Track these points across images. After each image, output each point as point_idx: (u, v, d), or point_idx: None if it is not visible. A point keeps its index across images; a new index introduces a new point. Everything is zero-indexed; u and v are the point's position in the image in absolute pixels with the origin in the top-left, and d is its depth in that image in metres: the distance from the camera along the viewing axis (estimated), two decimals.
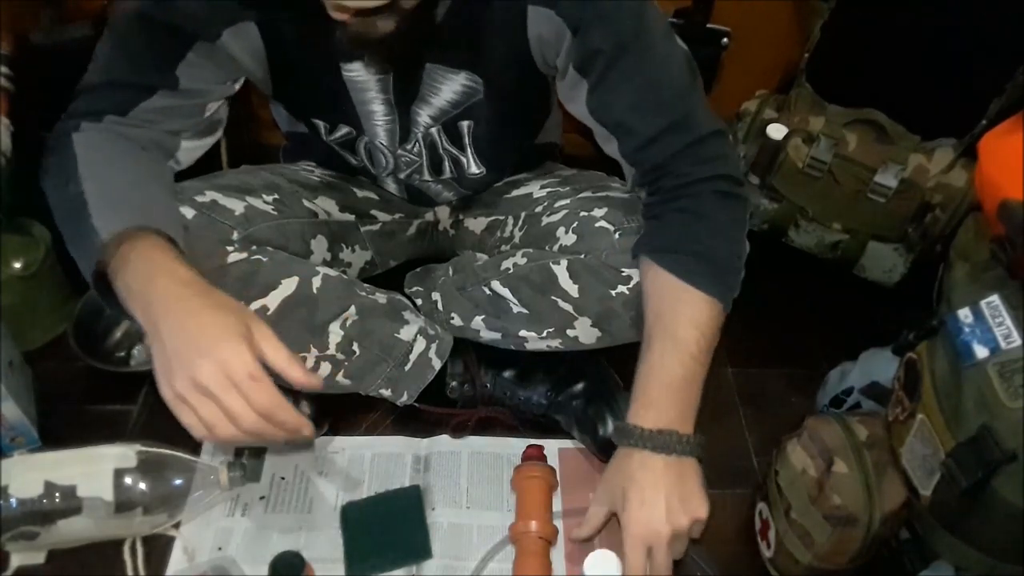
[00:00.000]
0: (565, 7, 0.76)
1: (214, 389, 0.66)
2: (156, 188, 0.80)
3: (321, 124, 0.94)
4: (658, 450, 0.76)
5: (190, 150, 0.87)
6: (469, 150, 0.95)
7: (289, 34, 0.81)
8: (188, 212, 0.83)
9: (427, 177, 0.99)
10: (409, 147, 0.94)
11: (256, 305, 0.86)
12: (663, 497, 0.75)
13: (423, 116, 0.90)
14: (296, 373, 0.70)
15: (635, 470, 0.76)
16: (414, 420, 1.04)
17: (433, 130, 0.92)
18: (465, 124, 0.91)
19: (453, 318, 1.02)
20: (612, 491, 0.79)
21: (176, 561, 0.90)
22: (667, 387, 0.77)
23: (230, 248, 0.85)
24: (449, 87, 0.86)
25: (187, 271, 0.71)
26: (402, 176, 1.00)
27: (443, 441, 1.03)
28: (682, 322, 0.78)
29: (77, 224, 0.74)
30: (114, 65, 0.80)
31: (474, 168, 0.98)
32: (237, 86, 0.87)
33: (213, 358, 0.65)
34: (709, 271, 0.79)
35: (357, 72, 0.84)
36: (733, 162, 0.84)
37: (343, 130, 0.94)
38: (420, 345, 0.99)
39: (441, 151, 0.95)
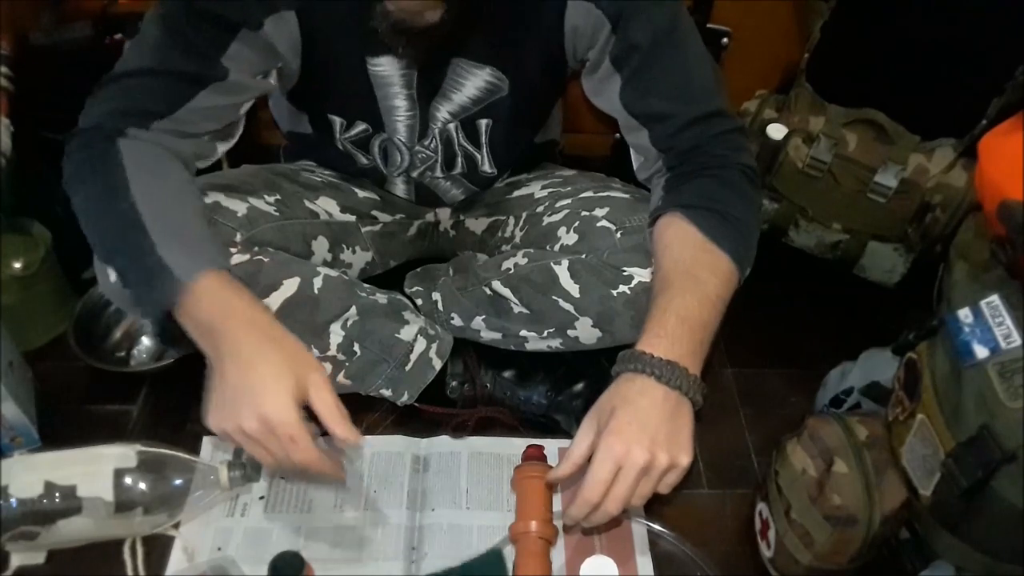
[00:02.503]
0: (605, 1, 0.79)
1: (258, 438, 0.70)
2: (204, 220, 0.80)
3: (337, 121, 0.94)
4: (662, 380, 0.71)
5: (218, 154, 0.88)
6: (485, 148, 0.95)
7: (324, 25, 0.81)
8: None
9: (439, 174, 0.99)
10: (426, 143, 0.94)
11: None
12: (653, 424, 0.70)
13: (442, 112, 0.90)
14: (341, 431, 0.73)
15: (633, 393, 0.72)
16: (414, 420, 1.04)
17: (451, 126, 0.92)
18: (484, 122, 0.92)
19: (453, 318, 1.02)
20: (601, 411, 0.73)
21: (176, 561, 0.90)
22: (683, 320, 0.74)
23: (233, 250, 0.85)
24: (472, 83, 0.87)
25: (259, 312, 0.74)
26: (415, 174, 1.00)
27: (443, 441, 1.03)
28: (704, 268, 0.77)
29: (133, 249, 0.73)
30: (165, 53, 0.77)
31: (487, 167, 0.98)
32: (272, 81, 0.87)
33: (259, 412, 0.69)
34: (731, 233, 0.79)
35: (383, 67, 0.85)
36: (753, 158, 0.86)
37: (359, 127, 0.94)
38: (421, 345, 0.99)
39: (456, 147, 0.95)
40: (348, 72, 0.85)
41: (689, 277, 0.77)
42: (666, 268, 0.79)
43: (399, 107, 0.89)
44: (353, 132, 0.95)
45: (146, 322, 0.84)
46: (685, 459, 0.72)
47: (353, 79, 0.86)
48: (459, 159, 0.97)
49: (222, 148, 0.87)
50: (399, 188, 1.05)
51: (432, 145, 0.95)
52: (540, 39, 0.83)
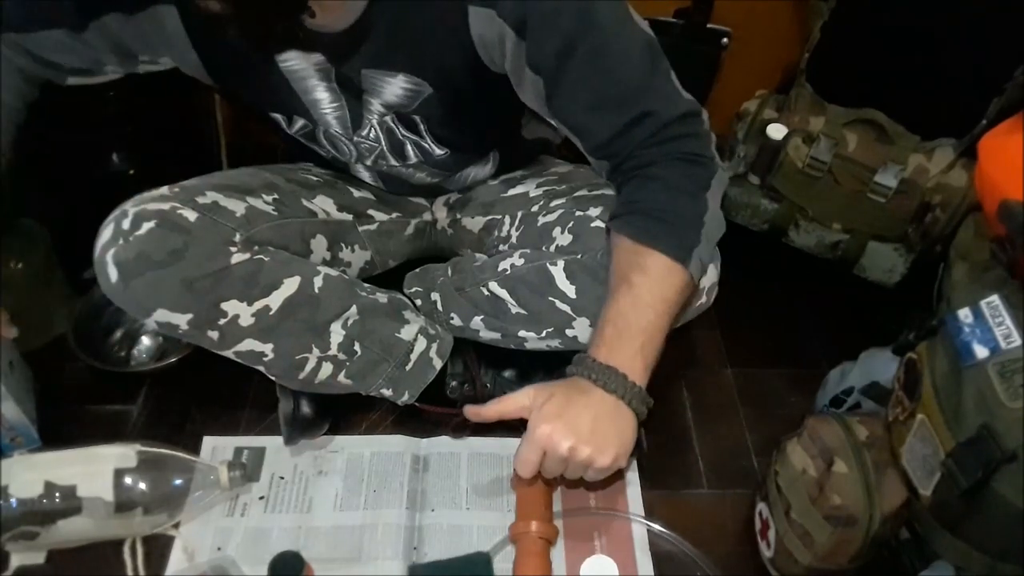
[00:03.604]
0: (506, 7, 0.75)
1: None
2: None
3: (280, 118, 0.94)
4: (598, 383, 0.75)
5: (75, 82, 0.90)
6: (427, 136, 0.94)
7: (215, 23, 0.80)
8: (191, 215, 0.82)
9: (393, 162, 0.99)
10: (364, 133, 0.93)
11: (259, 305, 0.86)
12: (582, 419, 0.75)
13: (375, 105, 0.89)
14: None
15: (573, 391, 0.77)
16: (414, 420, 1.04)
17: (387, 118, 0.91)
18: (417, 117, 0.90)
19: (452, 318, 1.02)
20: (542, 392, 0.78)
21: (176, 561, 0.90)
22: (617, 328, 0.77)
23: (233, 249, 0.85)
24: (390, 89, 0.86)
25: None
26: (368, 163, 1.00)
27: (443, 442, 1.03)
28: (635, 272, 0.78)
29: None
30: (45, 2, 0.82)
31: (437, 151, 0.97)
32: (146, 68, 0.88)
33: None
34: (659, 229, 0.79)
35: (293, 61, 0.84)
36: (700, 140, 0.82)
37: (300, 122, 0.94)
38: (421, 345, 0.99)
39: (400, 137, 0.94)
40: (260, 70, 0.85)
41: (622, 284, 0.79)
42: (609, 282, 0.81)
43: (322, 100, 0.88)
44: (296, 127, 0.95)
45: (148, 322, 0.84)
46: (603, 460, 0.75)
47: (268, 76, 0.85)
48: (409, 147, 0.96)
49: (77, 81, 0.89)
50: (365, 176, 1.04)
51: (372, 135, 0.93)
52: (451, 47, 0.80)
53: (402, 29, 0.79)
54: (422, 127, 0.92)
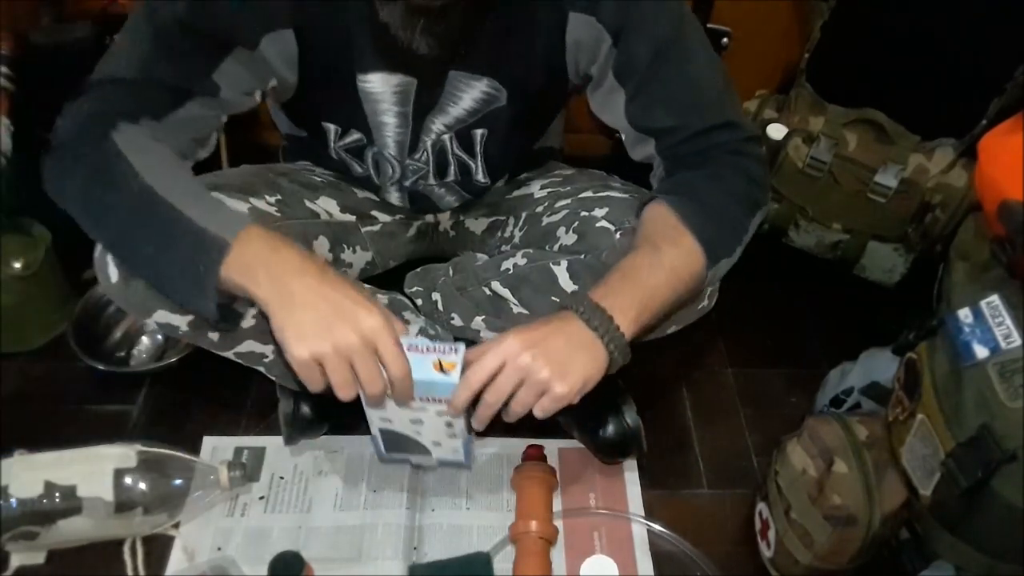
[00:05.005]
0: (607, 14, 0.78)
1: (351, 355, 0.67)
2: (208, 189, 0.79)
3: (332, 128, 0.93)
4: (582, 316, 0.74)
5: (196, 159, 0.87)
6: (479, 158, 0.95)
7: (320, 41, 0.81)
8: None
9: (432, 181, 0.99)
10: (417, 156, 0.94)
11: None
12: (552, 342, 0.73)
13: (437, 125, 0.90)
14: (406, 383, 0.71)
15: (554, 319, 0.75)
16: None
17: (445, 137, 0.91)
18: (479, 132, 0.91)
19: (453, 318, 1.02)
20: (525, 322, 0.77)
21: (176, 561, 0.90)
22: (625, 277, 0.77)
23: None
24: (469, 95, 0.86)
25: (309, 255, 0.71)
26: (407, 183, 1.00)
27: None
28: (663, 240, 0.79)
29: (162, 229, 0.70)
30: (153, 66, 0.75)
31: (480, 177, 0.98)
32: (258, 98, 0.85)
33: (358, 326, 0.67)
34: (700, 215, 0.80)
35: (372, 84, 0.84)
36: (763, 168, 0.85)
37: (354, 135, 0.93)
38: None
39: (450, 156, 0.95)
40: (339, 85, 0.85)
41: (646, 244, 0.79)
42: (634, 242, 0.81)
43: (388, 124, 0.89)
44: (348, 140, 0.94)
45: (148, 322, 0.83)
46: (560, 387, 0.72)
47: (344, 92, 0.86)
48: (452, 167, 0.96)
49: (201, 154, 0.85)
50: (393, 197, 1.04)
51: (423, 158, 0.94)
52: (541, 52, 0.83)
53: (499, 31, 0.81)
54: (478, 147, 0.93)
